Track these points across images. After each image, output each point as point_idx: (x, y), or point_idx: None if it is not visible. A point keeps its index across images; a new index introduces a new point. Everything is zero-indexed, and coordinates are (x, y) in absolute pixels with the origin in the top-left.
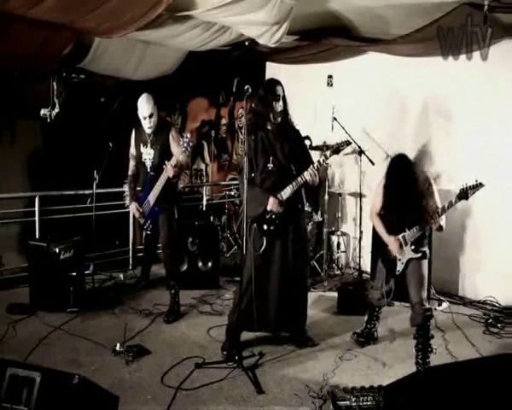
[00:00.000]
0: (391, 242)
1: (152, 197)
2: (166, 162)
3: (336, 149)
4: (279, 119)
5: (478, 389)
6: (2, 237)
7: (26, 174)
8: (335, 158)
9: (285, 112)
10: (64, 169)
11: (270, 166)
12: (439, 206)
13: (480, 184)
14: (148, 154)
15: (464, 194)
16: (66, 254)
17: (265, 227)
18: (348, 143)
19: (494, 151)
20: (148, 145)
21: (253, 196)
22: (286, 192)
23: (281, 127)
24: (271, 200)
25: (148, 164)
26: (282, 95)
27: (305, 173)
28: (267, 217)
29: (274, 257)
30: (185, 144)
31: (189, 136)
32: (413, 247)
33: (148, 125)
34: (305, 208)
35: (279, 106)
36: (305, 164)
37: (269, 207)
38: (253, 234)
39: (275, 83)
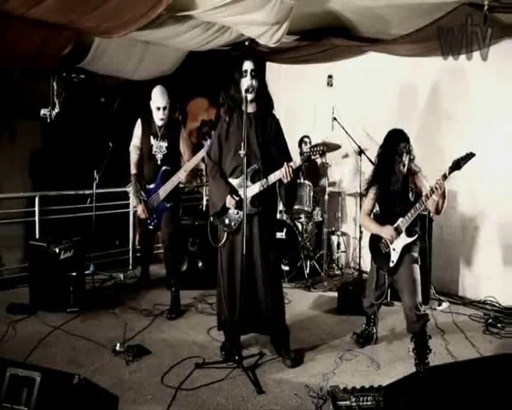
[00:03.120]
0: (386, 229)
1: (163, 192)
2: (181, 170)
3: (308, 158)
4: (249, 96)
5: (478, 389)
6: (2, 237)
7: (26, 174)
8: (335, 158)
9: (263, 95)
10: (64, 169)
11: (242, 152)
12: (428, 188)
13: (471, 153)
14: (158, 147)
15: (457, 164)
16: (66, 254)
17: (227, 222)
18: (322, 153)
19: (495, 151)
20: (159, 137)
21: (215, 188)
22: (253, 190)
23: (257, 111)
24: (228, 198)
25: (159, 157)
26: (250, 69)
27: (277, 172)
28: (229, 212)
29: (236, 258)
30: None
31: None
32: (407, 233)
33: (160, 117)
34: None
35: (245, 81)
36: (282, 159)
37: (227, 204)
38: (218, 228)
39: (243, 59)
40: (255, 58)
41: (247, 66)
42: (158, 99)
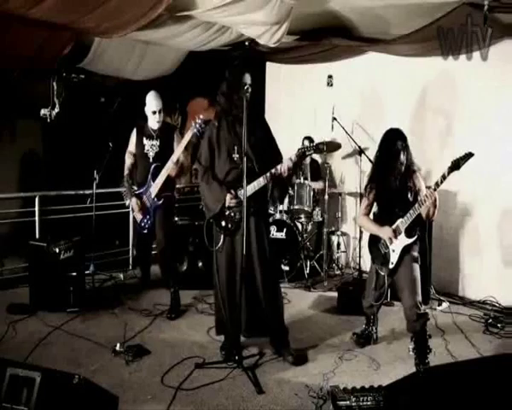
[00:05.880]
0: (385, 230)
1: (154, 189)
2: (168, 162)
3: (302, 154)
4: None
5: (478, 389)
6: (2, 237)
7: (25, 174)
8: (335, 158)
9: (252, 101)
10: (64, 169)
11: (236, 156)
12: (425, 191)
13: (470, 153)
14: (151, 145)
15: (456, 165)
16: (66, 254)
17: (223, 224)
18: (316, 149)
19: (494, 151)
20: (154, 137)
21: (210, 191)
22: (249, 190)
23: (248, 116)
24: (228, 197)
25: (151, 155)
26: (249, 84)
27: (271, 172)
28: (226, 214)
29: (237, 258)
30: (198, 126)
31: (202, 117)
32: (406, 234)
33: (156, 120)
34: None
35: (246, 93)
36: (273, 158)
37: (227, 204)
38: (214, 231)
39: (243, 71)
40: (251, 68)
41: (247, 79)
42: (153, 103)
